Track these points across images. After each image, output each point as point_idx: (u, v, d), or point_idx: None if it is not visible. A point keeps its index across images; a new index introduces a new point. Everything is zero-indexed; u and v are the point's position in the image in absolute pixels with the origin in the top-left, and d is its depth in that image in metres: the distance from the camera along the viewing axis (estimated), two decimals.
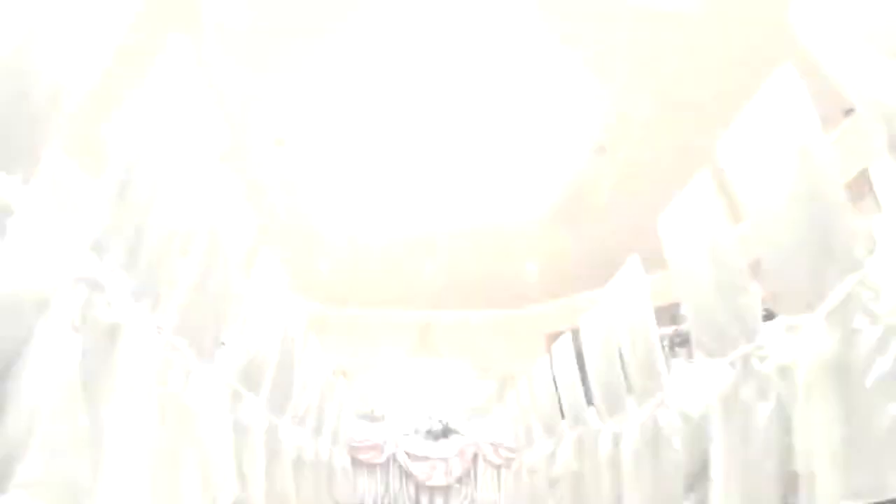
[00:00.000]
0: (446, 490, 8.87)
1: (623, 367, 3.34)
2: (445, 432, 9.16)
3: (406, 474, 8.92)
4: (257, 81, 6.26)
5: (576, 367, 4.22)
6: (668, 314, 6.61)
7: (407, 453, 8.94)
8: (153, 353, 1.84)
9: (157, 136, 1.70)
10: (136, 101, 1.71)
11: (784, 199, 1.98)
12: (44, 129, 1.38)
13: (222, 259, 2.25)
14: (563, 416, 4.74)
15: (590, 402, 4.11)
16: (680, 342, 8.80)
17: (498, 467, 8.84)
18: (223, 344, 3.14)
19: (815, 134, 1.89)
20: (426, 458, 8.94)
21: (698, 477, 2.59)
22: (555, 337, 4.87)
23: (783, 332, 2.07)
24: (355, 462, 8.46)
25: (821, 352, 1.83)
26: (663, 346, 3.44)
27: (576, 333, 4.09)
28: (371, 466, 8.82)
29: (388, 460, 8.89)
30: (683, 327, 9.29)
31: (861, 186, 5.83)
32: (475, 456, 9.01)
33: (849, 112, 5.96)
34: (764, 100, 2.07)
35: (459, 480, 8.91)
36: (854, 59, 1.65)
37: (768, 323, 2.35)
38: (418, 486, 8.88)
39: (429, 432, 9.16)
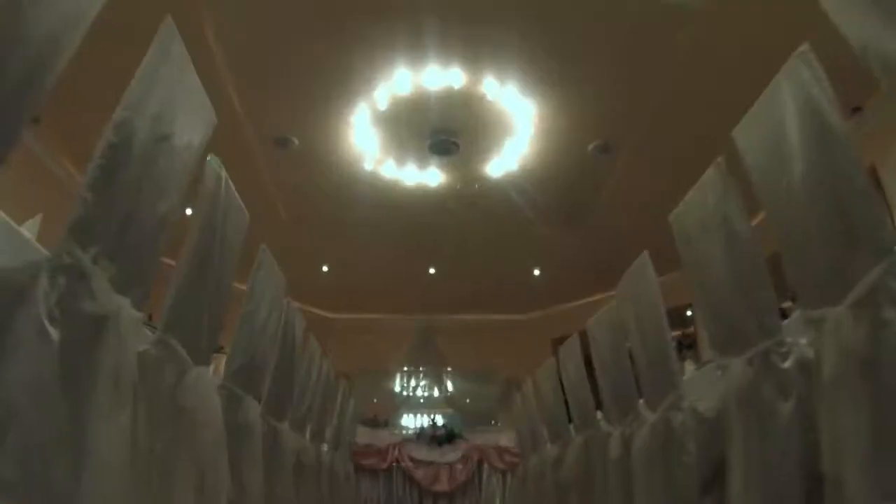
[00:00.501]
0: (450, 496, 8.77)
1: (633, 368, 3.25)
2: (449, 437, 9.08)
3: (409, 480, 8.82)
4: (260, 80, 6.19)
5: (584, 368, 4.12)
6: (675, 317, 6.53)
7: (410, 458, 8.86)
8: (143, 350, 1.75)
9: (147, 120, 1.61)
10: (127, 85, 1.61)
11: (804, 186, 1.88)
12: (19, 107, 1.29)
13: (217, 253, 2.15)
14: (570, 419, 4.64)
15: (598, 405, 4.02)
16: (688, 345, 8.74)
17: (503, 472, 8.76)
18: (222, 349, 3.05)
19: (835, 116, 1.80)
20: (430, 464, 8.85)
21: (713, 481, 2.49)
22: (560, 342, 4.77)
23: (805, 326, 1.97)
24: (358, 468, 8.37)
25: (847, 346, 1.73)
26: None
27: (583, 335, 3.99)
28: (374, 472, 8.74)
29: (391, 466, 8.81)
30: (690, 330, 9.26)
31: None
32: (480, 461, 8.92)
33: (855, 110, 5.90)
34: (781, 82, 1.98)
35: (464, 486, 8.82)
36: (883, 35, 1.56)
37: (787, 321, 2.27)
38: (422, 492, 8.79)
39: (433, 437, 9.07)
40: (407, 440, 9.19)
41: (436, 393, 12.14)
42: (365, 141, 7.15)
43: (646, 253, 2.99)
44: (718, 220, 2.30)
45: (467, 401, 12.03)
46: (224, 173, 2.19)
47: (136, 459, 1.57)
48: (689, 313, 9.67)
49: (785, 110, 1.96)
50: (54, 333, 1.30)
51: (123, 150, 1.52)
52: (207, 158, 2.10)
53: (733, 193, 2.26)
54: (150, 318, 2.47)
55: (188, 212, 2.07)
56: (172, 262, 1.98)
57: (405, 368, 12.37)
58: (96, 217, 1.45)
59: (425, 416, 10.68)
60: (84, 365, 1.36)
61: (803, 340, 2.05)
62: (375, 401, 11.32)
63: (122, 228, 1.53)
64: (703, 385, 2.72)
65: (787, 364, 2.08)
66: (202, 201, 2.07)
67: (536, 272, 10.78)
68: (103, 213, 1.47)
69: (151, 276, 1.72)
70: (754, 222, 2.28)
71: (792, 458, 1.98)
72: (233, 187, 2.29)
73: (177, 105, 1.78)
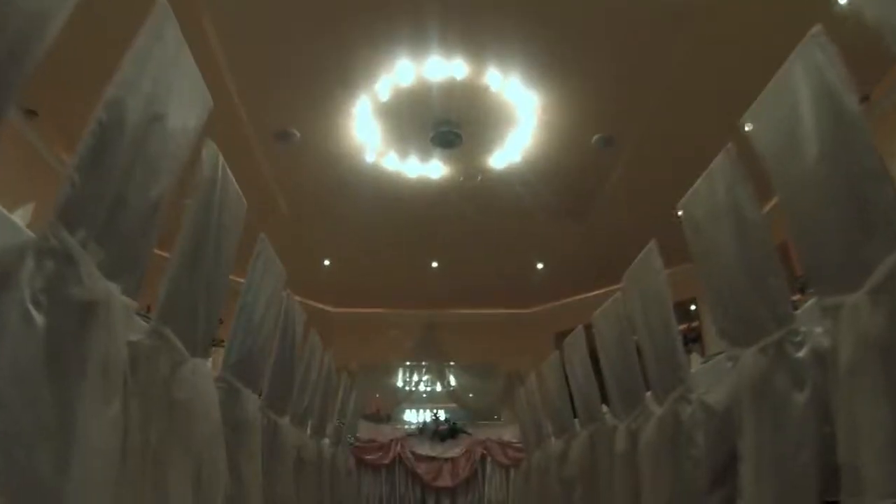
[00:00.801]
0: (453, 491, 8.72)
1: (640, 361, 3.19)
2: (452, 432, 9.03)
3: (412, 475, 8.77)
4: (260, 73, 6.13)
5: (589, 361, 4.06)
6: (679, 311, 6.48)
7: (413, 454, 8.81)
8: (136, 340, 1.69)
9: (139, 100, 1.55)
10: (120, 64, 1.55)
11: (819, 170, 1.82)
12: (5, 80, 1.23)
13: (214, 241, 2.09)
14: (574, 413, 4.59)
15: (603, 399, 3.97)
16: (693, 339, 8.68)
17: (506, 468, 8.71)
18: (221, 342, 2.99)
19: (850, 99, 1.74)
20: (432, 459, 8.80)
21: (723, 475, 2.43)
22: (563, 336, 4.71)
23: (820, 314, 1.91)
24: (360, 463, 8.33)
25: (865, 333, 1.67)
26: None
27: (588, 329, 3.94)
28: (376, 467, 8.70)
29: (393, 461, 8.76)
30: (695, 324, 9.21)
31: None
32: (483, 456, 8.87)
33: (863, 100, 5.85)
34: (794, 65, 1.91)
35: (466, 482, 8.77)
36: None
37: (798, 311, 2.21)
38: (424, 488, 8.75)
39: (435, 432, 9.02)
40: (409, 435, 9.15)
41: (438, 388, 12.10)
42: (366, 133, 7.09)
43: (653, 242, 2.93)
44: (729, 208, 2.24)
45: (470, 395, 11.99)
46: (221, 159, 2.13)
47: (129, 452, 1.52)
48: (693, 307, 9.64)
49: (798, 93, 1.90)
50: (39, 319, 1.24)
51: (114, 129, 1.46)
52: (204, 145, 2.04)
53: (744, 180, 2.20)
54: (147, 309, 2.43)
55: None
56: (167, 255, 1.93)
57: (407, 363, 12.33)
58: (85, 199, 1.39)
59: (428, 410, 10.64)
60: (71, 352, 1.30)
61: (818, 329, 1.99)
62: (378, 396, 11.26)
63: (112, 212, 1.47)
64: (712, 377, 2.66)
65: (801, 353, 2.02)
66: (199, 187, 2.01)
67: (539, 266, 10.72)
68: (92, 196, 1.41)
69: (144, 262, 1.66)
70: (763, 210, 2.23)
71: (807, 450, 1.92)
72: (230, 174, 2.23)
73: (171, 86, 1.71)
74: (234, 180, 2.27)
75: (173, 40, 1.74)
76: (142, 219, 1.60)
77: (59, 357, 1.27)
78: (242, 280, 2.71)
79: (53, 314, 1.27)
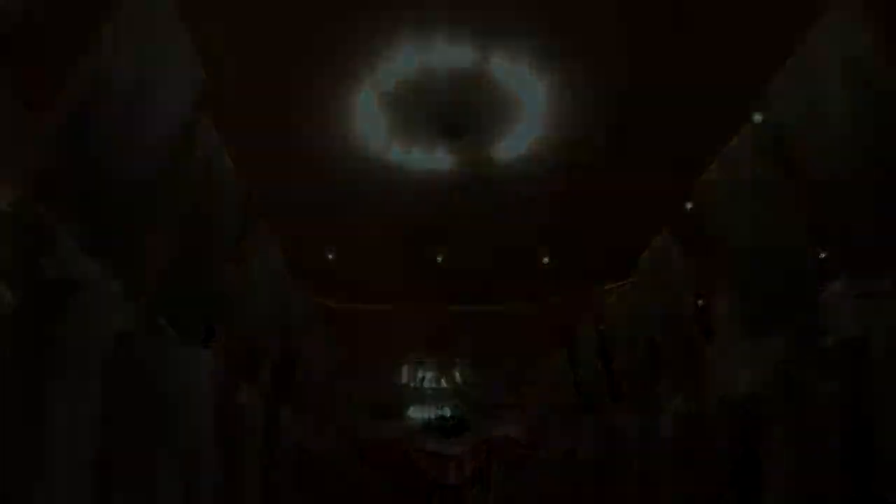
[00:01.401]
0: (459, 488, 8.64)
1: (653, 353, 3.08)
2: (458, 428, 8.93)
3: (417, 472, 8.68)
4: (261, 61, 6.03)
5: (598, 356, 3.96)
6: None
7: (418, 450, 8.72)
8: (123, 326, 1.59)
9: (125, 67, 1.44)
10: (108, 31, 1.45)
11: (848, 144, 1.71)
12: None
13: (210, 225, 1.99)
14: (583, 409, 4.49)
15: (613, 394, 3.86)
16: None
17: (513, 464, 8.60)
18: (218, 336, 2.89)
19: (882, 64, 1.63)
20: (438, 456, 8.71)
21: (743, 468, 2.32)
22: (571, 330, 4.62)
23: (851, 299, 1.80)
24: (365, 458, 8.24)
25: None
26: None
27: (598, 322, 3.84)
28: (381, 464, 8.60)
29: (398, 458, 8.67)
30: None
31: None
32: (489, 453, 8.78)
33: None
34: (820, 31, 1.80)
35: (472, 478, 8.68)
36: None
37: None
38: (430, 485, 8.65)
39: (441, 428, 8.93)
40: (415, 432, 9.05)
41: (444, 384, 11.99)
42: (371, 124, 6.95)
43: (667, 230, 2.82)
44: (752, 185, 2.12)
45: (476, 391, 11.88)
46: (217, 138, 2.02)
47: (113, 447, 1.41)
48: (699, 302, 9.52)
49: (826, 61, 1.79)
50: (11, 300, 1.14)
51: (96, 96, 1.36)
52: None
53: (769, 155, 2.08)
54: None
55: None
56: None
57: (413, 359, 12.23)
58: (64, 170, 1.28)
59: (433, 407, 10.54)
60: (46, 337, 1.20)
61: (848, 314, 1.87)
62: (382, 392, 11.15)
63: (94, 185, 1.36)
64: (732, 368, 2.55)
65: (829, 341, 1.90)
66: (193, 166, 1.90)
67: (546, 260, 10.59)
68: (72, 167, 1.30)
69: (131, 242, 1.55)
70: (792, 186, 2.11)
71: (836, 441, 1.81)
72: (226, 156, 2.13)
73: (160, 58, 1.60)
74: (230, 162, 2.17)
75: (164, 11, 1.63)
76: (128, 194, 1.48)
77: (33, 343, 1.17)
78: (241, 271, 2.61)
79: (27, 294, 1.17)
